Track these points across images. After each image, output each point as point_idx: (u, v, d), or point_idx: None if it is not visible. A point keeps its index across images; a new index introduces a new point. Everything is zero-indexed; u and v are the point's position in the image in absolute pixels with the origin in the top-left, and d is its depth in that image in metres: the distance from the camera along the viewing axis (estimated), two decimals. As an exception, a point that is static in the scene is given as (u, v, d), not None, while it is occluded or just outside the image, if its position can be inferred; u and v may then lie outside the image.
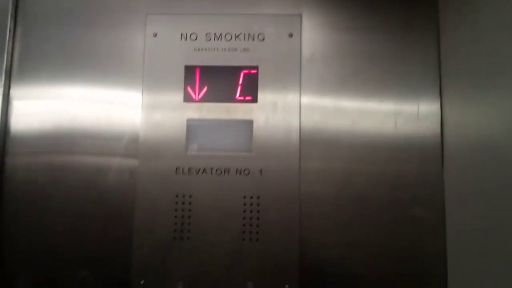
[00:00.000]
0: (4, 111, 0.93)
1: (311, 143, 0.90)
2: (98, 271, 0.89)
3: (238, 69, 0.92)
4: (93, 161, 0.91)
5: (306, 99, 0.91)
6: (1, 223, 0.90)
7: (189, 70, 0.93)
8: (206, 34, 0.94)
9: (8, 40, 0.95)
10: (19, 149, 0.92)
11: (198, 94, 0.92)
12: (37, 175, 0.91)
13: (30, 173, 0.91)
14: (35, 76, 0.95)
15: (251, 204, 0.88)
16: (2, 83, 0.94)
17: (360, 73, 0.92)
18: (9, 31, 0.96)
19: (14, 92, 0.95)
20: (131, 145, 0.91)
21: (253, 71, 0.92)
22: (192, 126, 0.91)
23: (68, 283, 0.89)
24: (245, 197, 0.88)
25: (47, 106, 0.94)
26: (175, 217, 0.88)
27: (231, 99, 0.92)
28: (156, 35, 0.94)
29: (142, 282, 0.86)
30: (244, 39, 0.93)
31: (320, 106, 0.91)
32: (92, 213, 0.90)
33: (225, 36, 0.93)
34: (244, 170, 0.89)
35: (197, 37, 0.94)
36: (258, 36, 0.93)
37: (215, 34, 0.93)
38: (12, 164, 0.92)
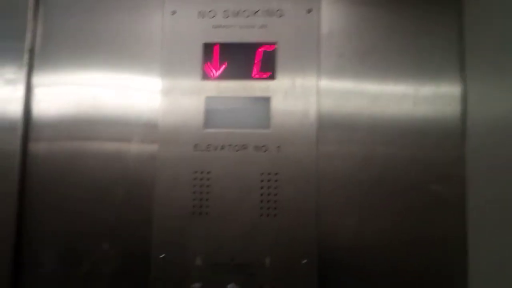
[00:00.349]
0: (26, 97, 0.95)
1: (330, 120, 0.90)
2: (119, 246, 0.91)
3: (256, 46, 0.92)
4: (114, 137, 0.93)
5: (324, 76, 0.91)
6: (25, 205, 0.93)
7: (207, 48, 0.93)
8: (224, 11, 0.93)
9: (29, 21, 0.97)
10: (41, 134, 0.94)
11: (216, 72, 0.92)
12: (58, 160, 0.93)
13: (52, 159, 0.93)
14: (56, 61, 0.96)
15: (269, 180, 0.88)
16: (26, 62, 0.96)
17: (379, 50, 0.91)
18: (31, 10, 0.97)
19: (36, 78, 0.96)
20: (150, 123, 0.92)
21: (271, 48, 0.91)
22: (210, 104, 0.91)
23: (90, 257, 0.91)
24: (262, 173, 0.89)
25: (67, 92, 0.95)
26: (194, 192, 0.89)
27: (249, 76, 0.92)
28: (174, 13, 0.94)
29: (161, 256, 0.88)
30: (262, 16, 0.92)
31: (338, 83, 0.91)
32: (113, 190, 0.92)
33: (243, 12, 0.93)
34: (261, 147, 0.89)
35: (215, 14, 0.93)
36: (276, 12, 0.92)
37: (233, 10, 0.93)
38: (35, 150, 0.94)
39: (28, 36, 0.96)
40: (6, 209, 0.91)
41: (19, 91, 0.95)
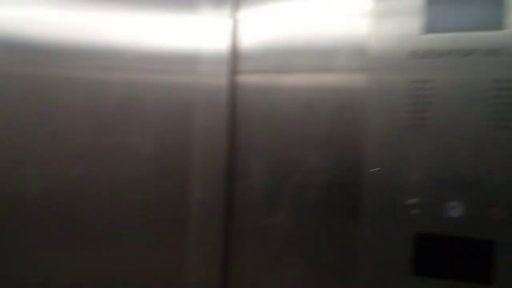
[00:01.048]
0: (233, 29, 0.95)
1: None
2: (330, 159, 0.90)
3: None
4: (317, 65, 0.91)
5: None
6: (236, 128, 0.96)
7: None
8: None
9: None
10: (247, 67, 0.95)
11: (435, -32, 0.82)
12: (264, 93, 0.95)
13: (258, 90, 0.95)
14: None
15: (504, 89, 0.78)
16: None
17: None
18: None
19: (241, 10, 0.96)
20: (359, 29, 0.87)
21: None
22: (430, 4, 0.82)
23: (300, 169, 0.92)
24: (495, 80, 0.79)
25: (270, 23, 0.94)
26: (412, 104, 0.83)
27: (479, -33, 0.79)
28: None
29: (375, 170, 0.85)
30: None
31: None
32: (322, 107, 0.91)
33: None
34: (494, 51, 0.78)
35: None
36: None
37: None
38: (241, 82, 0.96)
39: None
40: (218, 132, 0.96)
41: (226, 22, 0.95)
